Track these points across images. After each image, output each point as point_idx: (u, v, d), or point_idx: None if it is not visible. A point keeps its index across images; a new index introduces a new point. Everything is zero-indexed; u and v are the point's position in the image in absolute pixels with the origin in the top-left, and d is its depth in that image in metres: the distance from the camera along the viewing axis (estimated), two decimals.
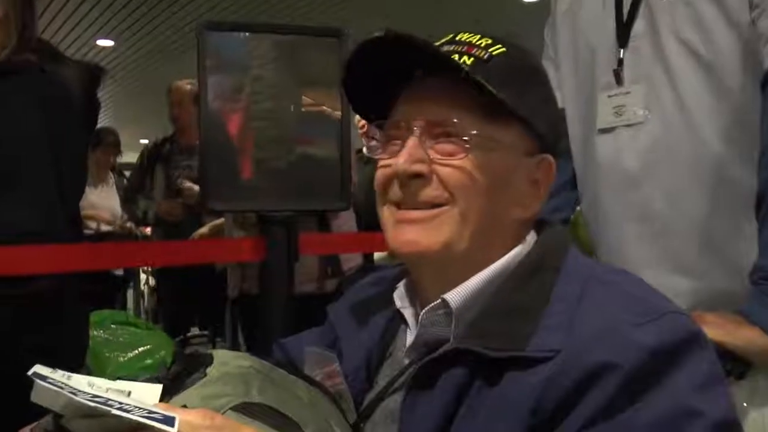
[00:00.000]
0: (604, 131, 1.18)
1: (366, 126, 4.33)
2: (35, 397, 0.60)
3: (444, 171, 0.79)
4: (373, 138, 0.87)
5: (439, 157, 0.79)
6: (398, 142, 0.82)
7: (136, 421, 0.56)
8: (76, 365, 1.57)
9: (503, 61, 0.81)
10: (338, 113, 1.85)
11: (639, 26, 1.14)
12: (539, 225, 0.87)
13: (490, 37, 0.83)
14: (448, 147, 0.80)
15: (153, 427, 0.57)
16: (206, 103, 1.66)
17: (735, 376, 0.90)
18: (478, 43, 0.82)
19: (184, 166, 3.74)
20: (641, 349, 0.67)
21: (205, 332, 3.34)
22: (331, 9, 6.49)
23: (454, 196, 0.79)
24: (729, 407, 0.70)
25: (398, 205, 0.82)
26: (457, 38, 0.84)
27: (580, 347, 0.69)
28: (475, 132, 0.79)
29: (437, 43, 0.84)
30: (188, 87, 3.80)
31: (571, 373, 0.68)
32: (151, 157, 3.85)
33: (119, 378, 0.74)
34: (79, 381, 0.64)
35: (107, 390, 0.64)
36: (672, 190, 1.11)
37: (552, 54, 1.34)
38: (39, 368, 0.62)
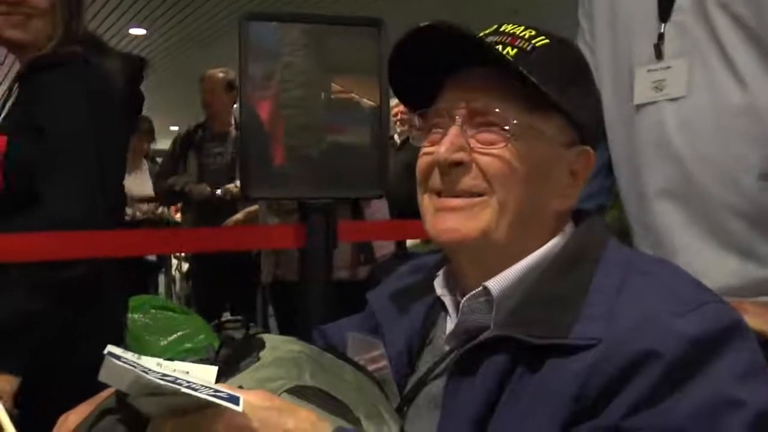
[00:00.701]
0: (643, 106, 1.16)
1: (400, 114, 4.37)
2: (103, 377, 0.63)
3: (484, 160, 0.80)
4: (415, 127, 0.89)
5: (479, 146, 0.81)
6: (440, 130, 0.83)
7: (204, 399, 0.59)
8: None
9: (546, 52, 0.82)
10: (370, 102, 1.86)
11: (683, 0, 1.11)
12: (577, 215, 0.88)
13: (534, 29, 0.84)
14: (488, 136, 0.81)
15: (219, 405, 0.59)
16: (246, 93, 1.68)
17: None
18: (521, 34, 0.83)
19: (216, 153, 3.80)
20: (683, 338, 0.68)
21: (239, 317, 3.39)
22: (364, 1, 6.47)
23: (493, 185, 0.80)
24: None
25: (439, 194, 0.83)
26: (501, 29, 0.85)
27: (622, 336, 0.70)
28: (516, 122, 0.80)
29: (481, 34, 0.84)
30: (221, 75, 3.85)
31: (614, 361, 0.69)
32: (184, 144, 3.89)
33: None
34: (148, 361, 0.66)
35: (174, 370, 0.67)
36: (721, 164, 1.08)
37: (588, 38, 1.33)
38: (112, 348, 0.64)
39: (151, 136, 5.16)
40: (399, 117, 4.49)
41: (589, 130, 0.86)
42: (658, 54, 1.13)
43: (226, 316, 4.02)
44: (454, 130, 0.81)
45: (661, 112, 1.13)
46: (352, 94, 1.92)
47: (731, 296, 1.01)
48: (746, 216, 1.08)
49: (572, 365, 0.71)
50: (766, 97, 1.04)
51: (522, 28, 0.84)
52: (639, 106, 1.16)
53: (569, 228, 0.86)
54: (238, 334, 3.17)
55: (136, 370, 0.60)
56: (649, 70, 1.14)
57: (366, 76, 1.85)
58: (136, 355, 0.66)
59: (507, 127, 0.80)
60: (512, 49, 0.81)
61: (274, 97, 1.80)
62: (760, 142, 1.05)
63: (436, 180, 0.83)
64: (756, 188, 1.06)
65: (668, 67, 1.12)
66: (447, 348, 0.86)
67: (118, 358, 0.62)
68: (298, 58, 1.84)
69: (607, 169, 1.32)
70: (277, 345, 0.79)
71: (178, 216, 5.47)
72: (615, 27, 1.22)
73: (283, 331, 2.77)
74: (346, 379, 0.80)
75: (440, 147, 0.81)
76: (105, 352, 0.63)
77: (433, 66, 0.85)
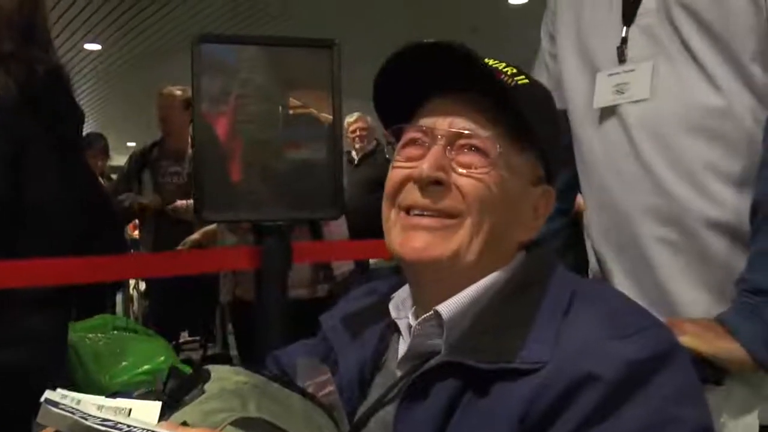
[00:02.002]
0: (605, 110, 1.15)
1: (359, 130, 4.37)
2: (42, 419, 0.62)
3: (464, 182, 0.81)
4: (389, 142, 0.90)
5: (460, 168, 0.82)
6: (420, 146, 0.84)
7: None
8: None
9: (527, 91, 0.84)
10: (327, 116, 1.86)
11: (649, 3, 1.10)
12: (527, 246, 0.89)
13: (515, 67, 0.87)
14: (470, 160, 0.82)
15: None
16: (200, 113, 1.68)
17: (712, 383, 0.92)
18: (505, 70, 0.85)
19: (173, 173, 3.76)
20: (622, 362, 0.70)
21: (197, 338, 3.34)
22: (318, 21, 6.48)
23: (470, 208, 0.81)
24: (707, 415, 0.73)
25: (407, 211, 0.83)
26: (484, 62, 0.85)
27: (565, 359, 0.72)
28: (500, 149, 0.81)
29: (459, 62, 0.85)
30: (178, 93, 3.82)
31: (557, 384, 0.71)
32: (138, 162, 3.86)
33: (119, 382, 0.74)
34: (89, 404, 0.65)
35: (116, 410, 0.66)
36: (690, 168, 1.05)
37: (547, 58, 1.34)
38: (50, 394, 0.63)
39: (105, 154, 5.08)
40: (358, 134, 4.51)
41: (555, 170, 0.89)
42: (621, 58, 1.13)
43: (185, 335, 3.97)
44: (437, 149, 0.82)
45: (622, 116, 1.12)
46: (310, 109, 1.94)
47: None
48: (726, 229, 1.04)
49: (519, 389, 0.72)
50: (742, 101, 1.03)
51: (504, 64, 0.86)
52: (601, 111, 1.16)
53: (520, 255, 0.88)
54: (196, 355, 3.13)
55: (75, 416, 0.59)
56: (610, 74, 1.14)
57: (320, 91, 1.86)
58: (76, 399, 0.65)
59: (490, 154, 0.81)
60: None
61: (232, 113, 1.81)
62: (736, 147, 1.03)
63: (407, 195, 0.83)
64: (729, 195, 1.03)
65: (632, 70, 1.12)
66: (399, 373, 0.86)
67: (56, 404, 0.61)
68: (255, 74, 1.85)
69: (561, 193, 1.33)
70: (223, 376, 0.79)
71: (136, 233, 5.40)
72: (580, 35, 1.22)
73: (242, 351, 2.75)
74: (293, 409, 0.79)
75: (423, 163, 0.81)
76: (42, 399, 0.62)
77: (417, 84, 0.86)
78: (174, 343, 3.23)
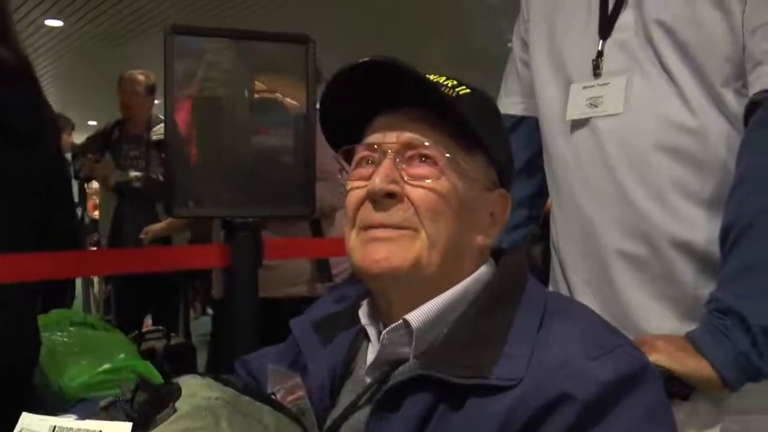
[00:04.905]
0: (577, 123, 1.14)
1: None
2: None
3: (415, 193, 0.82)
4: (342, 164, 0.89)
5: (411, 179, 0.82)
6: (370, 165, 0.85)
7: None
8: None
9: (469, 100, 0.85)
10: (292, 101, 1.84)
11: (627, 18, 1.10)
12: (495, 252, 0.91)
13: (455, 79, 0.88)
14: (420, 170, 0.82)
15: None
16: (172, 110, 1.65)
17: (679, 398, 0.94)
18: (446, 83, 0.86)
19: (133, 156, 3.75)
20: (595, 382, 0.72)
21: (160, 327, 3.31)
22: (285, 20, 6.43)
23: (423, 219, 0.81)
24: None
25: (367, 230, 0.84)
26: (420, 75, 0.86)
27: (540, 377, 0.73)
28: (448, 155, 0.82)
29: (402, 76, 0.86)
30: (141, 78, 3.80)
31: (532, 403, 0.72)
32: (99, 142, 3.87)
33: (78, 383, 0.73)
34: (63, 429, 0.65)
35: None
36: (657, 185, 1.06)
37: (521, 53, 1.33)
38: (27, 417, 0.62)
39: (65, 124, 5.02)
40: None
41: (507, 174, 0.90)
42: (596, 71, 1.13)
43: (148, 322, 3.92)
44: (387, 163, 0.82)
45: (595, 129, 1.12)
46: (277, 94, 1.92)
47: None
48: (693, 253, 1.05)
49: (493, 404, 0.74)
50: (715, 124, 1.04)
51: (445, 77, 0.87)
52: (574, 122, 1.15)
53: (489, 264, 0.89)
54: (160, 344, 3.09)
55: None
56: (584, 87, 1.14)
57: (291, 77, 1.84)
58: (54, 426, 0.64)
59: (439, 162, 0.82)
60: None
61: (195, 95, 1.77)
62: (707, 169, 1.04)
63: (365, 214, 0.84)
64: (698, 216, 1.04)
65: (606, 84, 1.11)
66: (368, 380, 0.87)
67: None
68: (221, 57, 1.82)
69: (530, 199, 1.35)
70: (193, 392, 0.78)
71: (96, 213, 5.32)
72: (554, 45, 1.21)
73: (219, 350, 2.70)
74: (264, 423, 0.79)
75: (374, 178, 0.82)
76: (19, 428, 0.61)
77: (362, 104, 0.86)
78: (137, 332, 3.18)
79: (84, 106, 11.54)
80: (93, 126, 12.81)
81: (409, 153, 0.83)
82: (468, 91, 0.87)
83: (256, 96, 1.86)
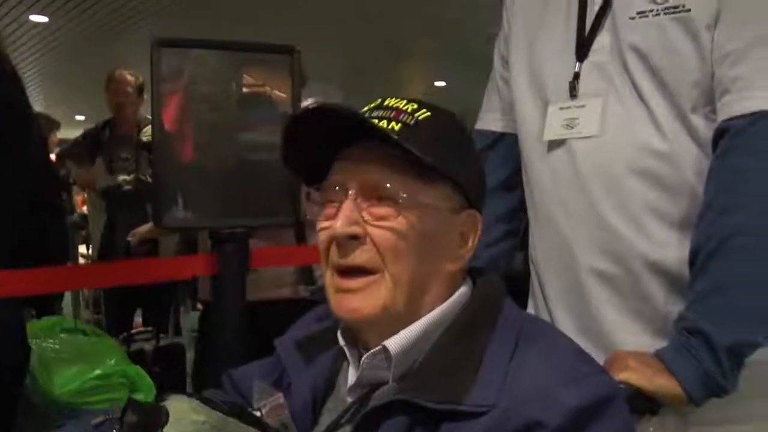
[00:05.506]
0: (554, 143, 1.16)
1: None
2: None
3: (377, 233, 0.83)
4: (313, 201, 0.91)
5: (372, 219, 0.84)
6: (335, 204, 0.86)
7: None
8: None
9: (429, 125, 0.86)
10: (280, 93, 1.85)
11: (603, 40, 1.12)
12: (473, 271, 0.93)
13: (416, 102, 0.89)
14: (380, 210, 0.84)
15: None
16: (160, 123, 1.67)
17: (649, 413, 0.98)
18: (405, 108, 0.87)
19: (124, 158, 3.73)
20: (566, 409, 0.75)
21: (149, 328, 3.33)
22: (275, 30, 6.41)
23: (386, 259, 0.83)
24: None
25: (339, 271, 0.86)
26: (385, 104, 0.88)
27: (512, 404, 0.76)
28: (405, 195, 0.83)
29: (367, 108, 0.89)
30: (130, 78, 3.78)
31: (503, 429, 0.75)
32: (91, 142, 3.84)
33: (70, 389, 0.74)
34: None
35: None
36: (630, 207, 1.08)
37: (501, 70, 1.34)
38: None
39: (50, 125, 4.99)
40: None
41: (475, 193, 0.90)
42: (573, 92, 1.14)
43: (137, 321, 3.93)
44: (348, 204, 0.84)
45: (571, 150, 1.13)
46: (266, 87, 1.94)
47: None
48: (665, 274, 1.08)
49: (466, 431, 0.76)
50: (685, 148, 1.06)
51: (405, 102, 0.88)
52: (551, 143, 1.16)
53: (467, 285, 0.91)
54: (149, 346, 3.11)
55: None
56: (561, 108, 1.15)
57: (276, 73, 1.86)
58: None
59: (397, 201, 0.84)
60: (396, 124, 0.85)
61: (183, 94, 1.78)
62: (677, 192, 1.07)
63: (333, 256, 0.86)
64: (670, 238, 1.07)
65: (582, 106, 1.13)
66: (349, 399, 0.90)
67: None
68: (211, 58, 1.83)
69: (510, 214, 1.37)
70: (181, 416, 0.80)
71: (85, 208, 5.30)
72: (533, 65, 1.22)
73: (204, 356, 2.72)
74: None
75: (336, 221, 0.84)
76: None
77: (324, 142, 0.88)
78: (125, 334, 3.20)
79: (71, 101, 11.48)
80: (80, 121, 12.78)
81: (370, 192, 0.85)
82: (428, 114, 0.87)
83: (244, 90, 1.88)
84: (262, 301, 2.28)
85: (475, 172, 0.93)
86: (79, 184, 3.89)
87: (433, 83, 11.72)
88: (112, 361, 1.95)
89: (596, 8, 1.14)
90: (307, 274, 2.53)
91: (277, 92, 1.94)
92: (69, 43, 8.68)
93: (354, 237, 0.84)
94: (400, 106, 0.87)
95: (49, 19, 7.81)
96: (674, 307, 1.05)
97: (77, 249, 5.44)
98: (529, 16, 1.27)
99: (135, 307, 3.97)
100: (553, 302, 1.19)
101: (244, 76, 1.92)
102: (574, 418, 0.75)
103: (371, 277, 0.84)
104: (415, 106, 0.88)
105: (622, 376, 0.96)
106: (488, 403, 0.77)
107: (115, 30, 7.74)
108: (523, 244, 1.41)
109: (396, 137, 0.82)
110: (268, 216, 1.83)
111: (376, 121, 0.85)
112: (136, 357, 2.72)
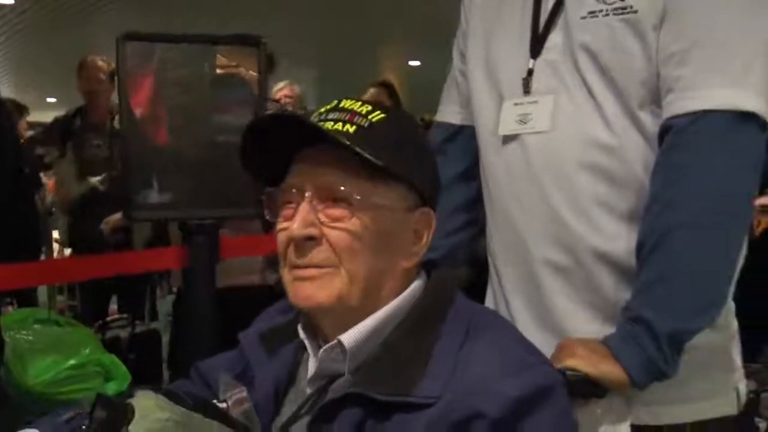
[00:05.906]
0: (508, 138, 1.19)
1: (284, 97, 4.34)
2: None
3: (333, 234, 0.87)
4: (271, 203, 0.92)
5: (328, 220, 0.87)
6: (292, 206, 0.89)
7: None
8: None
9: (383, 127, 0.89)
10: (253, 74, 1.88)
11: (556, 39, 1.15)
12: (427, 265, 0.97)
13: (371, 104, 0.92)
14: (335, 212, 0.87)
15: None
16: (129, 113, 1.68)
17: (596, 397, 1.02)
18: (359, 110, 0.90)
19: (95, 145, 3.71)
20: (506, 399, 0.79)
21: (124, 315, 3.35)
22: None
23: (342, 259, 0.87)
24: None
25: (292, 270, 0.89)
26: (341, 105, 0.91)
27: (457, 396, 0.81)
28: (358, 197, 0.87)
29: (324, 110, 0.92)
30: (101, 64, 3.73)
31: (447, 420, 0.80)
32: (62, 129, 3.80)
33: (44, 380, 0.76)
34: None
35: None
36: (581, 201, 1.12)
37: (459, 64, 1.36)
38: None
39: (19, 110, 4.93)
40: (284, 101, 4.45)
41: (428, 192, 0.93)
42: (526, 89, 1.16)
43: (114, 308, 3.95)
44: (304, 206, 0.87)
45: (524, 145, 1.16)
46: (240, 68, 1.95)
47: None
48: (615, 264, 1.10)
49: (416, 421, 0.81)
50: (633, 142, 1.09)
51: (360, 103, 0.91)
52: (505, 137, 1.19)
53: (421, 279, 0.95)
54: (125, 333, 3.14)
55: None
56: (515, 104, 1.17)
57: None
58: None
59: (351, 203, 0.86)
60: (351, 126, 0.88)
61: (154, 77, 1.78)
62: (625, 185, 1.10)
63: (290, 256, 0.89)
64: (619, 230, 1.10)
65: (535, 102, 1.15)
66: (309, 390, 0.94)
67: None
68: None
69: (469, 204, 1.39)
70: (146, 413, 0.83)
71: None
72: (489, 60, 1.25)
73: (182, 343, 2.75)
74: None
75: (293, 223, 0.87)
76: None
77: (282, 145, 0.91)
78: (100, 321, 3.22)
79: (40, 84, 11.30)
80: (52, 103, 12.56)
81: (325, 194, 0.88)
82: (383, 116, 0.90)
83: (218, 71, 1.89)
84: (232, 287, 2.33)
85: (429, 172, 0.96)
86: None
87: (408, 62, 11.71)
88: (87, 351, 1.98)
89: (550, 6, 1.17)
90: (274, 262, 2.57)
91: (251, 72, 1.96)
92: (35, 26, 8.53)
93: (311, 238, 0.87)
94: (355, 108, 0.90)
95: (14, 2, 7.68)
96: (623, 295, 1.09)
97: (51, 234, 5.42)
98: (486, 12, 1.30)
99: (110, 293, 3.97)
100: (510, 293, 1.24)
101: (218, 56, 1.93)
102: (513, 408, 0.79)
103: (327, 269, 0.88)
104: (370, 108, 0.91)
105: (570, 362, 1.00)
106: (435, 394, 0.81)
107: (83, 13, 7.61)
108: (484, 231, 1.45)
109: (348, 141, 0.85)
110: (236, 207, 1.86)
111: (332, 123, 0.88)
112: (112, 345, 2.73)
